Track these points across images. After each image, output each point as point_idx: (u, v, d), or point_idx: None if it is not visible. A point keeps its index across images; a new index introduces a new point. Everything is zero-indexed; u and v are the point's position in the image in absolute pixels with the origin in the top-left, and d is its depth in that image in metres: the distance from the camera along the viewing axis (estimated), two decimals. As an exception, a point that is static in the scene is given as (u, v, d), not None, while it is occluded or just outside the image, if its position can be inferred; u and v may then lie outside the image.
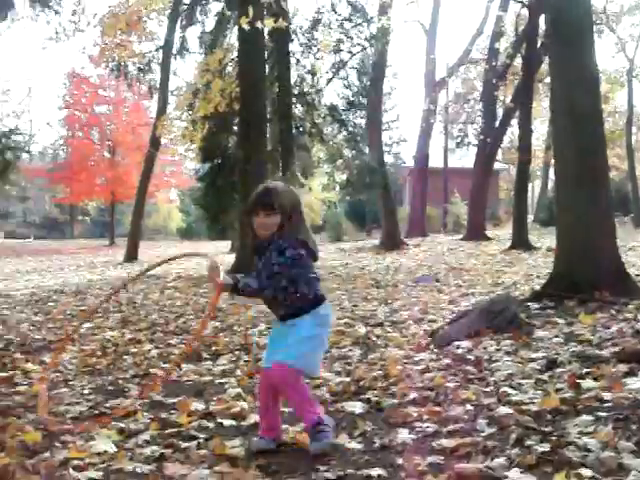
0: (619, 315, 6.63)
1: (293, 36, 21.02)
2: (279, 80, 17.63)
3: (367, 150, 24.29)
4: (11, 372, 6.02)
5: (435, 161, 36.34)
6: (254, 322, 8.32)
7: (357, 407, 4.15)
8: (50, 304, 12.10)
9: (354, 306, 9.66)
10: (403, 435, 3.53)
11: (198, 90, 17.27)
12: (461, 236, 28.32)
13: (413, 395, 4.31)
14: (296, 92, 20.66)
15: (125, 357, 6.53)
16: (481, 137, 27.02)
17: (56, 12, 10.08)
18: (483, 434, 3.48)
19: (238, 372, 5.45)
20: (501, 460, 3.06)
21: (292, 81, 19.66)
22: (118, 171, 40.60)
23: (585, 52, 8.31)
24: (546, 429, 3.45)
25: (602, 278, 7.70)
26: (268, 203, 3.37)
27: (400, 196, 45.04)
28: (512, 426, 3.51)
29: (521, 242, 21.02)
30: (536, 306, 7.47)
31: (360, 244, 28.95)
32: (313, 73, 21.45)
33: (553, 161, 9.38)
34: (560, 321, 6.49)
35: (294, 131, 20.09)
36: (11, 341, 7.97)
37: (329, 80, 22.70)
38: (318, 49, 19.69)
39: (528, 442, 3.26)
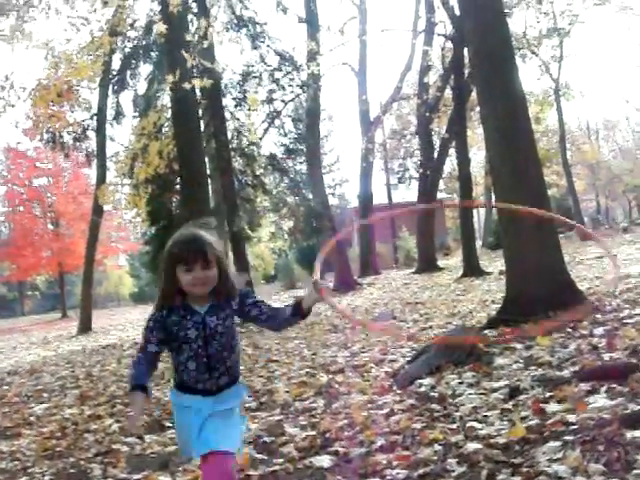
0: (575, 332, 6.69)
1: (225, 90, 21.19)
2: (215, 136, 17.66)
3: (311, 195, 24.42)
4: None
5: (379, 198, 36.63)
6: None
7: (325, 461, 4.09)
8: (4, 387, 11.76)
9: (313, 354, 9.57)
10: (372, 486, 3.48)
11: (136, 154, 17.20)
12: (413, 270, 28.46)
13: (380, 442, 4.26)
14: (234, 145, 20.75)
15: (86, 435, 6.34)
16: (421, 170, 27.34)
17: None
18: (454, 474, 3.45)
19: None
20: (475, 500, 3.02)
21: (229, 135, 19.74)
22: (64, 242, 40.09)
23: (509, 78, 8.51)
24: (516, 460, 3.44)
25: (553, 297, 7.77)
26: (204, 254, 2.82)
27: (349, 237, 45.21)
28: (482, 462, 3.49)
29: (472, 269, 21.21)
30: (493, 333, 7.50)
31: (314, 289, 28.79)
32: (248, 127, 21.61)
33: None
34: (518, 346, 6.51)
35: (236, 185, 20.16)
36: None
37: (265, 130, 22.86)
38: (249, 104, 19.81)
39: (500, 477, 3.24)
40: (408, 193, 45.52)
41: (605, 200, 67.03)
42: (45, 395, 9.85)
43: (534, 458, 3.42)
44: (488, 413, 4.46)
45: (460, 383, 5.49)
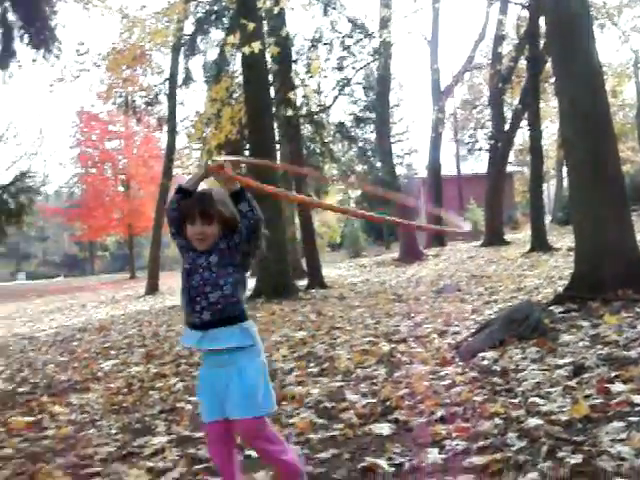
0: (645, 312, 6.54)
1: (296, 57, 21.17)
2: (285, 102, 17.65)
3: (379, 164, 24.29)
4: (39, 416, 6.03)
5: (448, 169, 36.27)
6: (279, 346, 8.30)
7: (385, 429, 4.11)
8: (74, 343, 12.12)
9: (377, 323, 9.60)
10: (433, 455, 3.49)
11: (210, 120, 17.34)
12: (480, 242, 28.16)
13: (441, 412, 4.26)
14: (303, 112, 20.73)
15: (151, 393, 6.50)
16: (492, 141, 26.91)
17: (56, 56, 10.18)
18: (514, 448, 3.43)
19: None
20: (534, 475, 3.01)
21: (298, 102, 19.73)
22: (134, 204, 40.78)
23: (586, 49, 8.26)
24: (577, 439, 3.40)
25: (624, 275, 7.59)
26: (206, 211, 2.99)
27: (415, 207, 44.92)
28: (542, 438, 3.46)
29: (540, 244, 20.84)
30: (559, 310, 7.38)
31: (379, 258, 28.89)
32: (318, 92, 21.58)
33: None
34: (585, 324, 6.40)
35: (304, 152, 20.17)
36: (37, 384, 8.00)
37: (335, 98, 22.74)
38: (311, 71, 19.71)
39: (560, 454, 3.21)
40: (477, 165, 44.97)
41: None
42: (113, 352, 10.12)
43: (597, 437, 3.38)
44: (551, 390, 4.41)
45: (523, 358, 5.44)
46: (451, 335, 7.47)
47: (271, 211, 15.02)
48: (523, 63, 24.20)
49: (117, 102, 23.93)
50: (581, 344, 5.61)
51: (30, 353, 11.52)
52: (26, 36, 9.74)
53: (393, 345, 7.22)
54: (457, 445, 3.60)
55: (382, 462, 3.47)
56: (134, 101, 23.48)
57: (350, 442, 3.97)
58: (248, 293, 15.57)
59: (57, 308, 23.16)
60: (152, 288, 24.05)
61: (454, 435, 3.78)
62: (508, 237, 28.02)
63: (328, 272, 20.54)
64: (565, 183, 42.70)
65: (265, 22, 15.98)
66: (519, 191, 50.75)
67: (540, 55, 20.95)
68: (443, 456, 3.47)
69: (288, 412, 4.91)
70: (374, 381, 5.55)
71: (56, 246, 61.55)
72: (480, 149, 49.38)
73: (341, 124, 23.72)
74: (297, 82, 20.00)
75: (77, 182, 52.02)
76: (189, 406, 5.57)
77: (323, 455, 3.76)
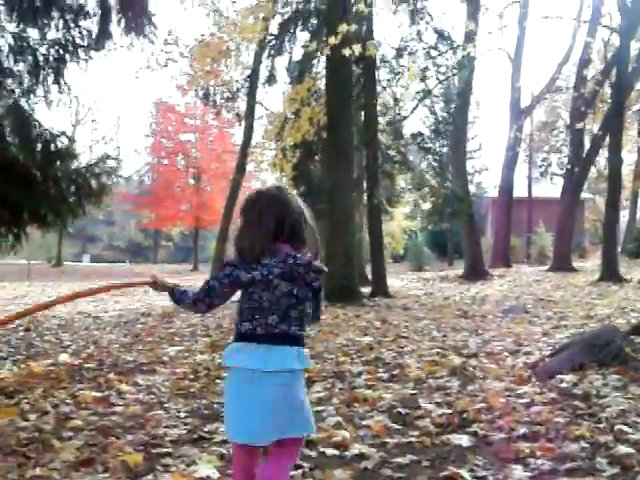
0: None
1: (379, 64, 21.10)
2: (365, 108, 17.61)
3: (451, 178, 24.05)
4: (106, 392, 6.07)
5: (518, 191, 35.77)
6: (345, 349, 8.23)
7: (464, 440, 4.00)
8: (138, 326, 12.24)
9: (444, 336, 9.48)
10: (518, 472, 3.37)
11: (287, 119, 17.40)
12: (546, 267, 27.72)
13: (522, 430, 4.12)
14: (381, 120, 20.66)
15: (217, 381, 6.48)
16: (569, 166, 26.44)
17: (150, 41, 10.31)
18: (605, 474, 3.29)
19: (335, 400, 5.33)
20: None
21: (378, 109, 19.68)
22: (203, 197, 41.19)
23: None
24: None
25: None
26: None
27: (482, 226, 44.47)
28: (636, 467, 3.31)
29: (610, 274, 20.36)
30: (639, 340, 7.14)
31: (443, 274, 28.61)
32: (398, 100, 21.47)
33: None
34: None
35: (380, 159, 20.10)
36: (103, 362, 8.07)
37: (415, 107, 22.64)
38: (402, 76, 19.61)
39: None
40: (548, 188, 44.25)
41: None
42: (177, 339, 10.17)
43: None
44: (637, 419, 4.24)
45: (605, 384, 5.26)
46: (523, 355, 7.30)
47: (340, 213, 15.03)
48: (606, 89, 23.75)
49: (199, 94, 24.18)
50: (665, 377, 5.41)
51: (94, 332, 11.66)
52: (123, 20, 9.87)
53: (464, 359, 7.08)
54: (542, 464, 3.47)
55: (464, 473, 3.36)
56: (215, 94, 23.71)
57: (428, 450, 3.86)
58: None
59: (120, 292, 23.46)
60: (215, 281, 24.20)
61: (538, 454, 3.64)
62: (575, 264, 27.48)
63: (391, 282, 20.37)
64: (639, 215, 41.83)
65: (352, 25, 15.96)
66: (589, 219, 49.81)
67: (627, 81, 20.50)
68: (529, 474, 3.35)
69: (360, 414, 4.83)
70: (447, 392, 5.43)
71: (121, 232, 62.61)
72: (552, 174, 48.60)
73: (419, 134, 23.57)
74: (379, 89, 19.98)
75: (148, 171, 52.88)
76: None
77: (400, 460, 3.66)
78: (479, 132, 71.01)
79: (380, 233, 18.54)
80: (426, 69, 22.29)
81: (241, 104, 25.67)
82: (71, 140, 8.79)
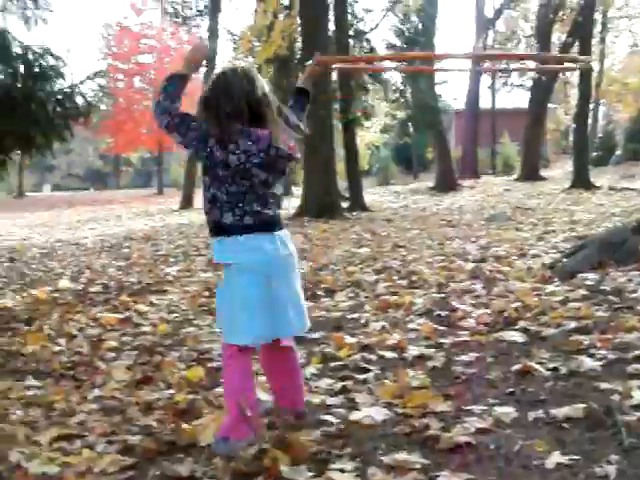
0: None
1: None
2: (336, 20, 17.24)
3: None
4: (126, 313, 6.00)
5: (483, 102, 35.60)
6: (349, 260, 8.25)
7: (516, 337, 4.03)
8: (125, 250, 12.12)
9: (439, 244, 9.56)
10: (588, 362, 3.40)
11: (260, 33, 16.94)
12: (514, 177, 27.93)
13: (572, 324, 4.17)
14: (352, 32, 20.28)
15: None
16: (537, 76, 26.37)
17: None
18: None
19: (367, 307, 5.35)
20: None
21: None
22: (164, 120, 40.30)
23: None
24: None
25: None
26: None
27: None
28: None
29: (582, 181, 20.63)
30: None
31: (413, 186, 28.72)
32: (368, 10, 21.19)
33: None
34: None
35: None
36: (107, 285, 7.98)
37: (384, 16, 22.31)
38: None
39: None
40: (511, 98, 44.16)
41: None
42: (171, 259, 10.10)
43: None
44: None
45: (629, 280, 5.33)
46: (532, 257, 7.38)
47: (318, 127, 14.83)
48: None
49: (167, 11, 23.37)
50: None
51: (82, 258, 11.51)
52: None
53: (474, 264, 7.13)
54: (608, 354, 3.51)
55: (535, 365, 3.40)
56: (183, 10, 22.97)
57: (486, 347, 3.89)
58: (292, 211, 15.53)
59: (91, 218, 23.17)
60: (187, 202, 24.01)
61: (598, 345, 3.69)
62: (543, 173, 27.73)
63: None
64: (600, 124, 42.12)
65: None
66: (550, 129, 50.02)
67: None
68: (599, 363, 3.39)
69: (398, 319, 4.85)
70: (475, 294, 5.47)
71: (80, 159, 61.32)
72: (512, 84, 48.44)
73: (392, 45, 23.24)
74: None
75: (103, 95, 51.42)
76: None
77: (464, 358, 3.69)
78: (438, 44, 70.35)
79: (355, 148, 18.44)
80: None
81: (204, 23, 25.08)
82: (58, 58, 8.38)
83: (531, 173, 26.30)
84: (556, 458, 2.34)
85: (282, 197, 2.88)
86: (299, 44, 17.97)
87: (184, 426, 2.96)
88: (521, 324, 4.30)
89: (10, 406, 3.57)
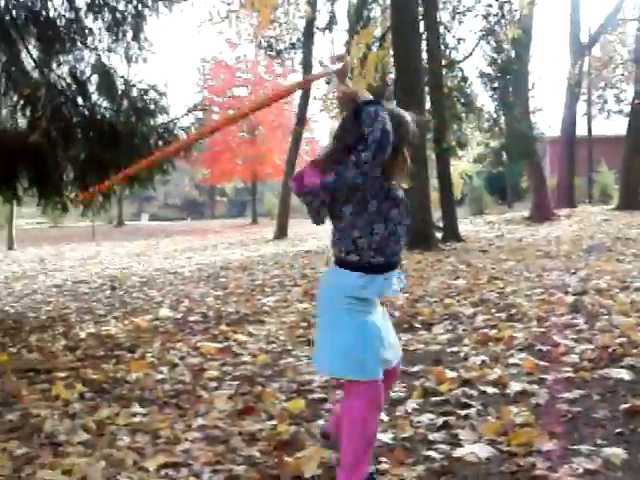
0: None
1: (441, 5, 20.63)
2: (429, 50, 17.27)
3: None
4: (225, 343, 6.13)
5: (577, 130, 34.89)
6: (445, 292, 8.20)
7: (623, 374, 3.93)
8: (222, 280, 12.34)
9: (537, 276, 9.35)
10: (701, 401, 3.29)
11: (353, 66, 17.13)
12: (612, 206, 27.20)
13: (682, 361, 4.05)
14: (444, 62, 20.26)
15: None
16: (637, 101, 25.70)
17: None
18: None
19: (466, 340, 5.31)
20: None
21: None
22: (260, 150, 41.02)
23: None
24: None
25: None
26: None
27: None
28: None
29: (685, 210, 19.92)
30: None
31: (508, 216, 28.29)
32: (461, 40, 21.12)
33: None
34: None
35: (447, 101, 19.77)
36: (206, 315, 8.16)
37: (476, 44, 22.23)
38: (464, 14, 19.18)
39: None
40: (607, 125, 43.12)
41: None
42: (267, 290, 10.22)
43: None
44: None
45: None
46: (634, 291, 7.17)
47: (413, 157, 14.82)
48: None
49: (261, 44, 23.89)
50: None
51: (180, 286, 11.79)
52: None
53: (574, 297, 6.97)
54: None
55: (644, 405, 3.31)
56: (278, 43, 23.47)
57: (591, 385, 3.81)
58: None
59: (188, 248, 23.69)
60: (281, 232, 24.26)
61: None
62: (643, 201, 26.94)
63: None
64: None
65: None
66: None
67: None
68: None
69: (499, 353, 4.79)
70: (577, 329, 5.35)
71: (177, 190, 63.02)
72: (609, 110, 47.36)
73: (485, 74, 23.09)
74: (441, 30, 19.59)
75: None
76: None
77: (568, 395, 3.62)
78: (533, 71, 69.43)
79: (449, 177, 18.32)
80: (489, 6, 21.74)
81: (297, 55, 25.51)
82: (161, 94, 8.70)
83: (630, 202, 25.54)
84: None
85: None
86: (392, 75, 18.09)
87: (287, 459, 3.01)
88: (627, 361, 4.19)
89: (117, 432, 3.70)
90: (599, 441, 2.92)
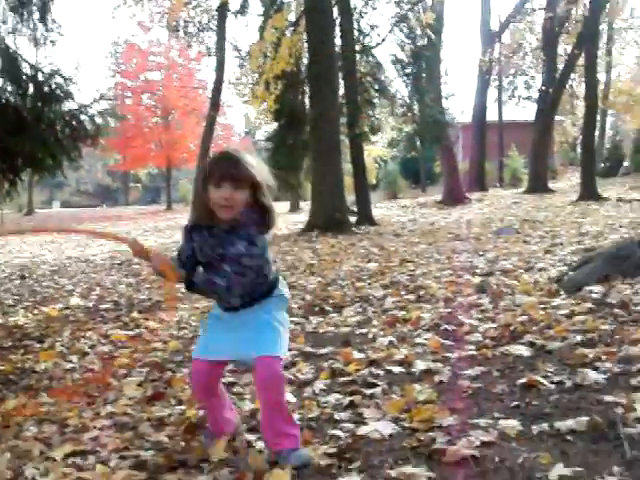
0: None
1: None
2: (342, 35, 17.36)
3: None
4: (136, 330, 6.08)
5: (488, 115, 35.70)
6: (357, 275, 8.31)
7: (522, 350, 4.07)
8: (134, 267, 12.18)
9: (447, 258, 9.57)
10: (593, 375, 3.44)
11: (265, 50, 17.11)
12: (522, 190, 27.97)
13: (577, 337, 4.22)
14: (358, 48, 20.40)
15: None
16: (543, 87, 26.44)
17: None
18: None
19: (375, 322, 5.41)
20: None
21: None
22: (173, 135, 40.53)
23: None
24: None
25: None
26: (236, 175, 2.68)
27: (453, 152, 44.39)
28: None
29: (590, 193, 20.66)
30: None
31: (421, 200, 28.79)
32: (374, 27, 21.32)
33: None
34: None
35: (360, 87, 19.93)
36: (118, 302, 8.06)
37: (390, 31, 22.43)
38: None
39: None
40: (516, 111, 44.20)
41: None
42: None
43: None
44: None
45: (635, 293, 5.36)
46: (538, 271, 7.42)
47: (327, 143, 14.92)
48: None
49: (172, 28, 23.53)
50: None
51: (92, 275, 11.61)
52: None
53: (481, 278, 7.18)
54: (613, 367, 3.55)
55: (540, 379, 3.45)
56: (186, 27, 23.17)
57: (492, 361, 3.94)
58: (300, 226, 15.58)
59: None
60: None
61: (603, 358, 3.73)
62: (551, 185, 27.76)
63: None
64: (608, 135, 42.14)
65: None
66: (557, 141, 50.03)
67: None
68: (603, 376, 3.43)
69: (406, 333, 4.91)
70: (482, 308, 5.52)
71: (89, 176, 61.73)
72: (519, 96, 48.50)
73: (398, 60, 23.33)
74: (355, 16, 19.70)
75: (111, 117, 51.63)
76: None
77: (470, 372, 3.74)
78: (445, 58, 70.42)
79: (363, 162, 18.50)
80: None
81: (210, 40, 25.28)
82: (67, 79, 8.49)
83: (539, 185, 26.35)
84: (559, 470, 2.38)
85: None
86: (305, 60, 18.16)
87: (195, 443, 3.03)
88: (527, 338, 4.34)
89: (24, 422, 3.64)
90: (496, 414, 3.03)
